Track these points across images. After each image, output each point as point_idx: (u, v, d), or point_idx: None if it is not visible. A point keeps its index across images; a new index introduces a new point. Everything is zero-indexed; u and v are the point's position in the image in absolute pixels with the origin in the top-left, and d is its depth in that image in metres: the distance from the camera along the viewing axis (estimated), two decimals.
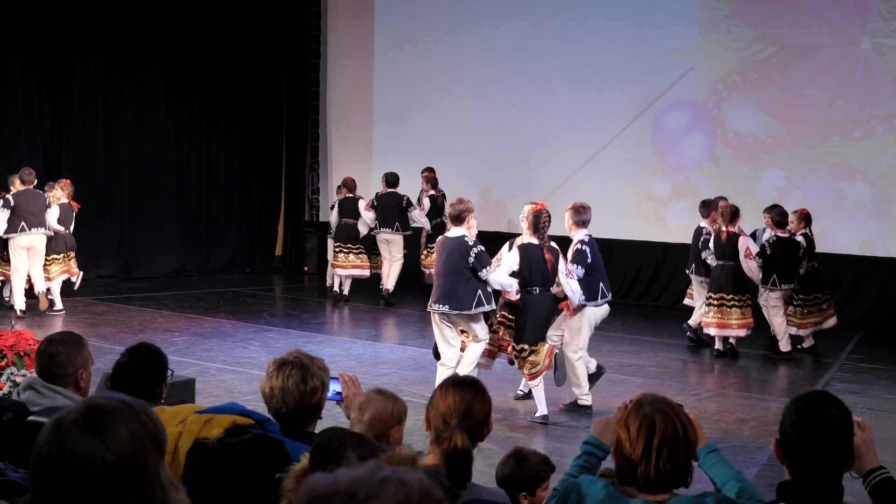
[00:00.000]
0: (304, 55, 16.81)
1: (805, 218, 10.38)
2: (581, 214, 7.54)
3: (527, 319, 7.14)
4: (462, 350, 7.30)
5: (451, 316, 7.18)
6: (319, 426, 3.26)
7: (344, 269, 12.90)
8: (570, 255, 7.48)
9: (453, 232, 7.23)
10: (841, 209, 12.57)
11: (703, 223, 10.68)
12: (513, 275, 7.14)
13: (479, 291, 7.10)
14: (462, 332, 7.31)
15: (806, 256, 10.22)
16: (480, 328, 7.23)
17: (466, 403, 2.97)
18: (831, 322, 10.51)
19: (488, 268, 7.06)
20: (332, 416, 3.69)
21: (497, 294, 7.36)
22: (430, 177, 13.32)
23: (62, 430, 1.70)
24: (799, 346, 10.43)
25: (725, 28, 13.25)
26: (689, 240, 11.00)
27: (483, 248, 7.20)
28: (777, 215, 10.12)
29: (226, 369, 8.58)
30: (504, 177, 14.49)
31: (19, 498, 1.86)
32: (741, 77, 13.16)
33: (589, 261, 7.38)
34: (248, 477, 2.84)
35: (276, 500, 2.38)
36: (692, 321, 10.65)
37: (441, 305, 7.13)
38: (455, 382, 3.05)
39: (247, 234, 16.45)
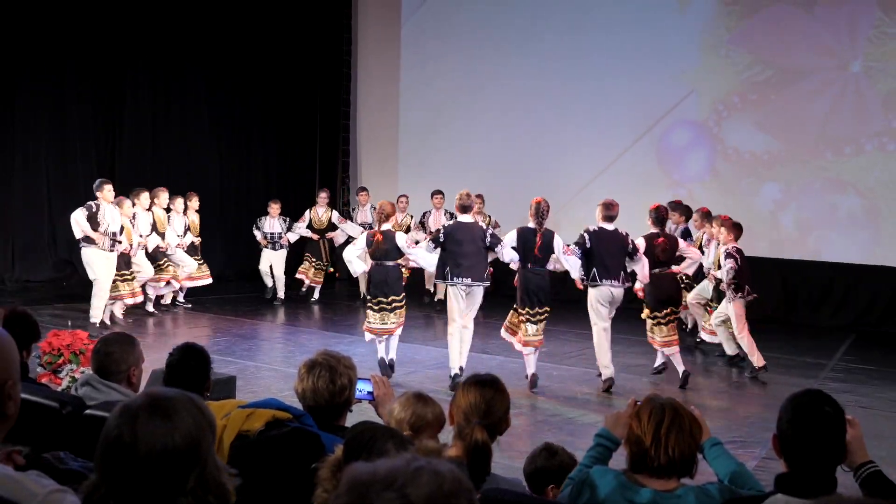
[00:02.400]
0: (335, 77, 16.90)
1: (680, 208, 10.17)
2: (606, 210, 8.00)
3: (525, 290, 7.83)
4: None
5: (472, 288, 7.88)
6: (350, 419, 3.29)
7: None
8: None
9: (465, 218, 7.97)
10: (834, 220, 12.50)
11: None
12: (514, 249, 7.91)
13: (489, 268, 8.02)
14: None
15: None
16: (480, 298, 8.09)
17: (487, 402, 2.98)
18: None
19: (500, 245, 7.86)
20: (361, 411, 3.71)
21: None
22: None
23: (130, 415, 1.74)
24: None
25: (725, 52, 13.20)
26: None
27: (492, 230, 8.27)
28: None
29: (264, 367, 8.62)
30: (521, 189, 14.38)
31: (81, 484, 1.88)
32: (740, 98, 13.11)
33: (587, 246, 7.86)
34: (287, 466, 2.87)
35: (312, 488, 2.40)
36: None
37: (464, 279, 7.82)
38: (477, 382, 3.06)
39: None
